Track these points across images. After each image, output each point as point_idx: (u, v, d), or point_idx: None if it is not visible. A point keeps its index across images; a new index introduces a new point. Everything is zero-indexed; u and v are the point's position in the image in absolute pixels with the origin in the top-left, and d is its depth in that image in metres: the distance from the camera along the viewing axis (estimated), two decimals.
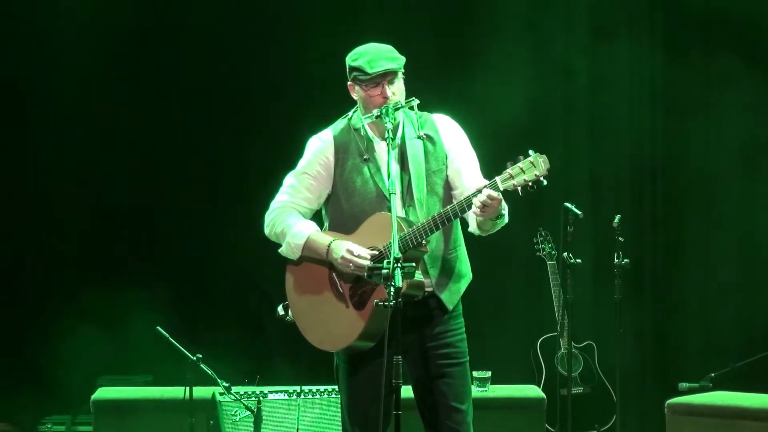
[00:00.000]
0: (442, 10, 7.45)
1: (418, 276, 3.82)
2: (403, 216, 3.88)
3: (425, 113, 4.08)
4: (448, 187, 4.01)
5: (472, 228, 4.00)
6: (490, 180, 3.74)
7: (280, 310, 4.14)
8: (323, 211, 4.12)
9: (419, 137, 4.00)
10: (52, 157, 7.48)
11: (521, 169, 3.66)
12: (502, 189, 3.69)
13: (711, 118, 7.41)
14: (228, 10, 7.48)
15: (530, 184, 3.66)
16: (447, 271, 3.97)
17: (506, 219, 3.90)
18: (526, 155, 3.67)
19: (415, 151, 3.98)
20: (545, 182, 3.66)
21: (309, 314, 4.03)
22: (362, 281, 3.90)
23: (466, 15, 7.46)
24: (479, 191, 3.72)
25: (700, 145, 7.42)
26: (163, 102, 7.44)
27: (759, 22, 7.24)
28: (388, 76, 3.92)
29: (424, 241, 3.83)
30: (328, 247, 3.93)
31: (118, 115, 7.46)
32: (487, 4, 7.44)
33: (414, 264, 3.75)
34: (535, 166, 3.64)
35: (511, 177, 3.67)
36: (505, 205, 3.82)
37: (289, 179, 4.09)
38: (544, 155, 3.66)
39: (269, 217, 4.09)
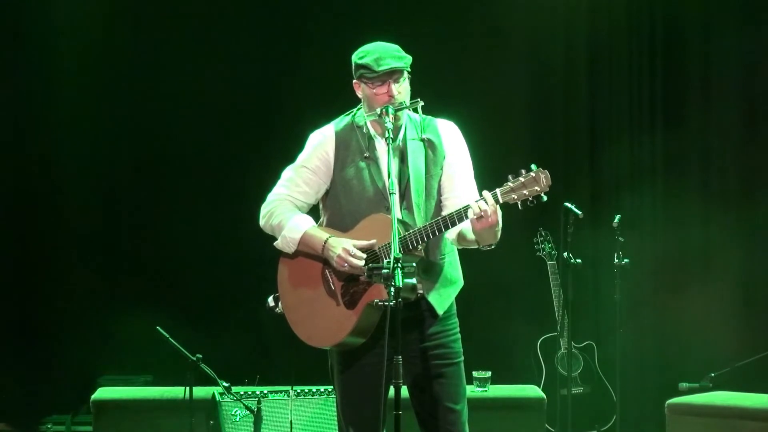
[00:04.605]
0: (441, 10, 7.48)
1: (412, 279, 3.79)
2: (400, 218, 3.85)
3: (429, 117, 4.05)
4: (440, 192, 3.98)
5: (470, 240, 3.85)
6: (489, 191, 3.70)
7: (270, 301, 4.09)
8: (320, 206, 4.10)
9: (421, 140, 3.98)
10: (51, 158, 7.48)
11: (522, 183, 3.64)
12: (501, 201, 3.67)
13: (710, 117, 7.42)
14: (228, 8, 7.50)
15: (530, 198, 3.64)
16: (438, 276, 3.95)
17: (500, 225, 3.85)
18: (528, 169, 3.65)
19: (416, 153, 3.97)
20: (545, 198, 3.64)
21: (299, 308, 4.01)
22: (355, 280, 3.88)
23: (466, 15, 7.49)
24: (483, 198, 3.68)
25: (700, 144, 7.43)
26: (164, 102, 7.44)
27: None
28: (394, 74, 3.89)
29: (419, 246, 3.81)
30: (325, 243, 3.90)
31: (119, 116, 7.48)
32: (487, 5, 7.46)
33: (414, 264, 3.75)
34: (536, 182, 3.63)
35: (512, 190, 3.65)
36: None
37: (288, 172, 4.07)
38: (546, 171, 3.64)
39: (265, 209, 4.06)
